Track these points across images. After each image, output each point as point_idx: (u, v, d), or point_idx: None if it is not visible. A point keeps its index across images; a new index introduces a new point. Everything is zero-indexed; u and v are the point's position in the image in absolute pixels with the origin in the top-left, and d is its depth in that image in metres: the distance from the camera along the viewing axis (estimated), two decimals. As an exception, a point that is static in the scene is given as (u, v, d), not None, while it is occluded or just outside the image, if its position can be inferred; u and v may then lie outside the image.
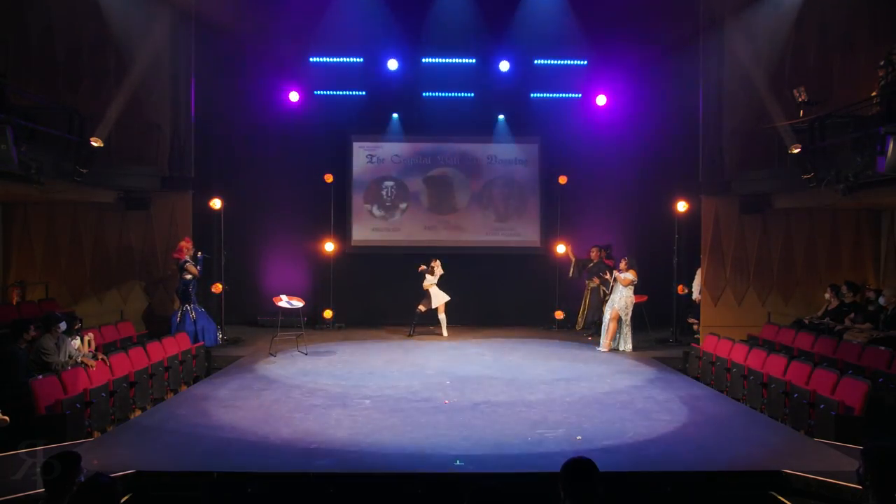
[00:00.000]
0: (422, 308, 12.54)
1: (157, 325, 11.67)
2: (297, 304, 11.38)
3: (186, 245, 11.38)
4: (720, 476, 5.86)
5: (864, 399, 6.97)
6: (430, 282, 12.51)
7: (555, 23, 13.31)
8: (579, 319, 13.22)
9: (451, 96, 14.04)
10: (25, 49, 11.45)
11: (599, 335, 11.76)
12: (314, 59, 13.75)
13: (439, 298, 12.55)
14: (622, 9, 12.89)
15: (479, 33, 13.52)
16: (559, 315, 13.69)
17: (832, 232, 12.09)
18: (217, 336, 11.70)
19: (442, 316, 12.66)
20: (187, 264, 11.27)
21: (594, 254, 12.74)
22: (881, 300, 9.79)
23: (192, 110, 12.28)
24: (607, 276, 12.08)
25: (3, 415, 6.51)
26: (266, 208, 13.99)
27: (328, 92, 13.90)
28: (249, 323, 13.63)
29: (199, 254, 11.55)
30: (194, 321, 11.20)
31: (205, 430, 6.93)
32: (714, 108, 12.05)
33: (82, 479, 3.32)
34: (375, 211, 14.44)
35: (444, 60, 13.86)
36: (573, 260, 13.00)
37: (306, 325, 12.27)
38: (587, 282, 12.86)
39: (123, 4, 11.55)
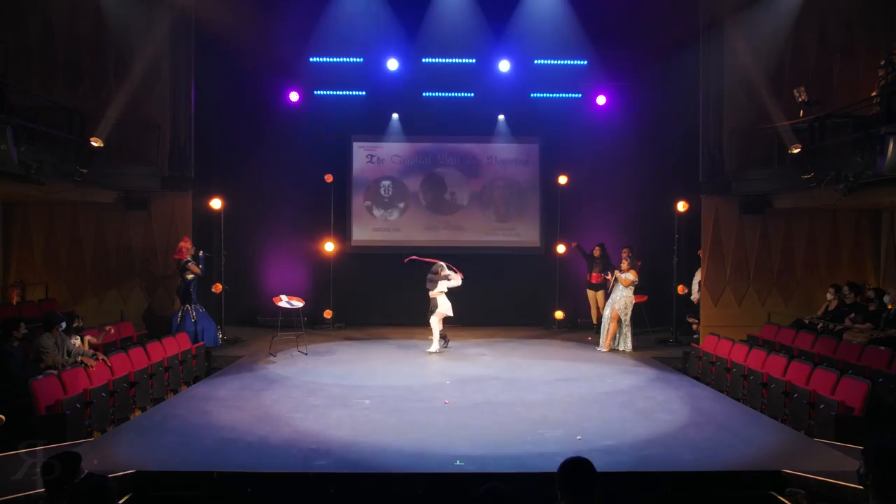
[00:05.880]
0: (435, 320, 11.20)
1: (158, 325, 11.66)
2: (297, 304, 11.37)
3: (185, 245, 11.38)
4: (720, 476, 5.86)
5: (864, 399, 6.97)
6: (439, 289, 11.06)
7: (555, 23, 13.30)
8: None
9: (451, 96, 14.04)
10: (25, 49, 11.46)
11: (599, 334, 11.76)
12: (314, 59, 13.74)
13: (444, 309, 11.12)
14: (622, 9, 12.89)
15: (479, 33, 13.51)
16: (559, 315, 13.69)
17: (832, 232, 12.10)
18: (217, 337, 11.69)
19: (436, 328, 11.23)
20: (189, 264, 11.27)
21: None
22: (885, 299, 9.79)
23: (192, 110, 12.28)
24: (609, 277, 12.04)
25: (0, 414, 6.50)
26: (266, 208, 13.99)
27: (328, 92, 13.91)
28: (249, 323, 13.63)
29: (201, 253, 11.56)
30: (195, 322, 11.19)
31: (205, 430, 6.92)
32: (714, 108, 12.05)
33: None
34: (375, 211, 14.44)
35: (444, 60, 13.85)
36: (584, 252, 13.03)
37: (306, 325, 12.27)
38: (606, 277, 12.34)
39: (123, 4, 11.57)
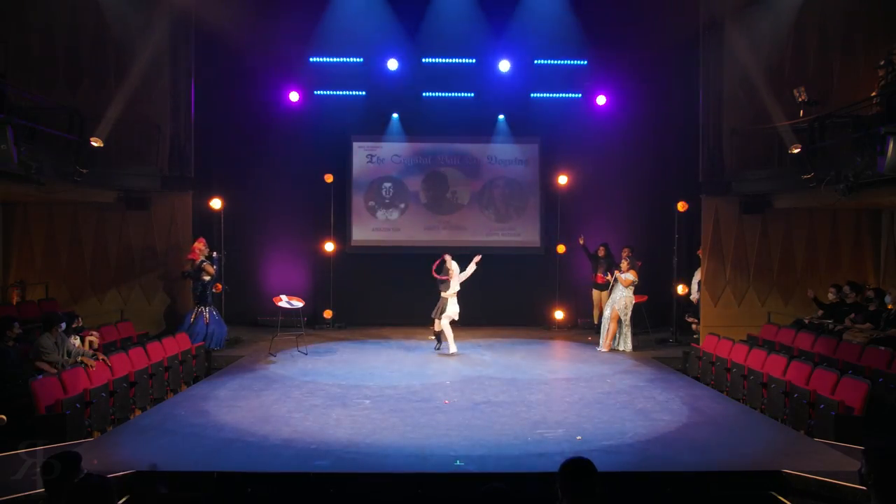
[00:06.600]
0: (437, 325, 11.09)
1: (170, 324, 11.74)
2: (297, 304, 11.38)
3: (199, 246, 11.42)
4: (720, 476, 5.86)
5: (864, 399, 6.97)
6: (453, 289, 10.84)
7: (555, 23, 13.30)
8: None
9: (451, 96, 14.04)
10: (25, 49, 11.45)
11: (599, 334, 11.75)
12: (314, 59, 13.75)
13: (452, 312, 10.96)
14: (622, 9, 12.89)
15: (479, 33, 13.51)
16: (559, 315, 13.68)
17: (832, 232, 12.09)
18: (224, 341, 11.67)
19: (447, 329, 11.06)
20: (204, 264, 11.30)
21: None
22: (886, 299, 9.79)
23: (192, 110, 12.26)
24: (609, 277, 12.01)
25: (1, 414, 6.51)
26: (266, 208, 13.99)
27: (328, 92, 13.90)
28: (249, 323, 13.62)
29: (214, 254, 11.61)
30: (207, 324, 11.24)
31: (205, 430, 6.93)
32: (714, 108, 12.04)
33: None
34: (375, 211, 14.43)
35: (444, 60, 13.85)
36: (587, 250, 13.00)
37: (306, 325, 12.27)
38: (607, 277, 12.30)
39: (123, 5, 11.57)
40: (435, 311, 11.08)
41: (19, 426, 6.47)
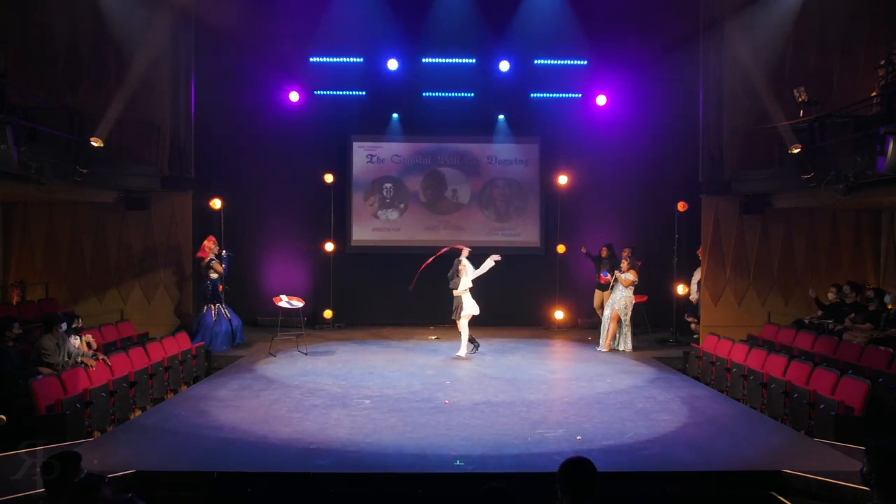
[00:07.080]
0: (458, 325, 10.73)
1: (185, 324, 11.78)
2: (297, 304, 11.38)
3: (209, 244, 11.52)
4: (720, 476, 5.87)
5: (864, 399, 6.98)
6: (463, 286, 10.61)
7: (555, 23, 13.30)
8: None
9: (451, 96, 14.03)
10: (25, 49, 11.46)
11: (599, 335, 11.75)
12: (314, 59, 13.74)
13: (470, 309, 10.67)
14: (622, 9, 12.89)
15: (479, 33, 13.51)
16: (559, 315, 13.68)
17: (832, 232, 12.09)
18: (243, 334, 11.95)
19: (464, 330, 10.76)
20: (213, 262, 11.38)
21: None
22: (886, 299, 9.78)
23: (192, 110, 12.27)
24: (609, 277, 11.98)
25: (1, 414, 6.51)
26: (266, 208, 13.99)
27: (328, 92, 13.89)
28: (249, 323, 13.57)
29: (224, 252, 11.67)
30: (229, 320, 11.45)
31: (205, 430, 6.93)
32: (714, 108, 12.04)
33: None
34: (375, 211, 14.43)
35: (444, 60, 13.84)
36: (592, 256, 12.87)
37: (306, 325, 12.27)
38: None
39: (123, 5, 11.57)
40: (454, 311, 10.81)
41: (19, 426, 6.48)
